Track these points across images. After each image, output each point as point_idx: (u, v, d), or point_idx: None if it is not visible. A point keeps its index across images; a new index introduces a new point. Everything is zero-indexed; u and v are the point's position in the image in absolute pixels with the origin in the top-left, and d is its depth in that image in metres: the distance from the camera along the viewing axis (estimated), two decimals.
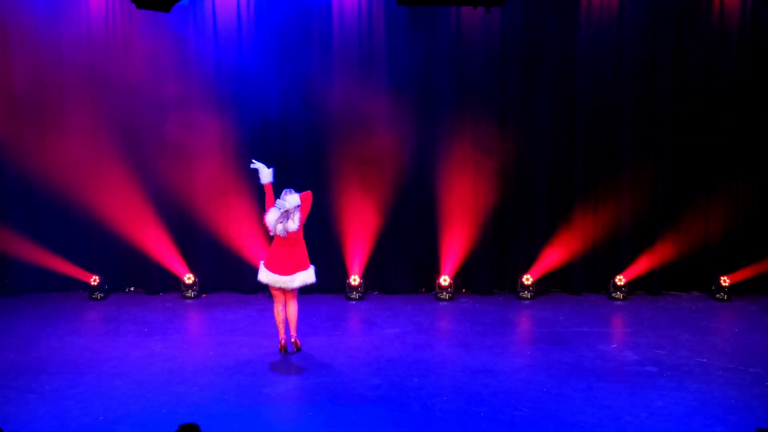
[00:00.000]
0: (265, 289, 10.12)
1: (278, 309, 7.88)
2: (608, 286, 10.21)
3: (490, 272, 10.34)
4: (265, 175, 7.84)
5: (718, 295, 10.04)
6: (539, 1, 9.80)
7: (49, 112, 10.00)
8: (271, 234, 7.79)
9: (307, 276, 7.83)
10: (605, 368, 7.59)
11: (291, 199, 7.62)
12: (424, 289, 10.49)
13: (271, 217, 7.67)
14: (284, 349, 7.89)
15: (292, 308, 7.89)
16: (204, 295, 10.28)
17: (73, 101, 9.93)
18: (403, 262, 10.33)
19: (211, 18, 9.88)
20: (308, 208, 7.76)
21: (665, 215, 10.19)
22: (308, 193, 7.77)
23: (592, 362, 7.74)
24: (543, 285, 10.29)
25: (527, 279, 10.13)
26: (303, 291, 10.35)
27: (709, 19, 9.84)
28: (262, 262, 7.95)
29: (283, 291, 7.85)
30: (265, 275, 7.86)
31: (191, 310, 9.77)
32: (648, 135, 10.07)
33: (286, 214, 7.61)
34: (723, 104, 9.98)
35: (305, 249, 7.85)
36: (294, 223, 7.60)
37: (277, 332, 8.03)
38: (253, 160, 7.99)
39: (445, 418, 6.46)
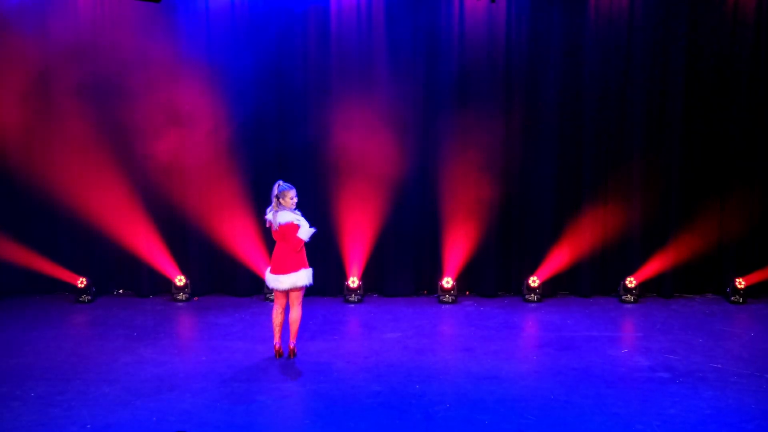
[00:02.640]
0: (259, 291, 10.15)
1: (277, 311, 7.84)
2: (618, 289, 10.20)
3: (494, 274, 10.33)
4: (304, 232, 7.67)
5: (733, 298, 10.03)
6: None
7: (35, 109, 10.00)
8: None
9: (297, 278, 7.74)
10: (615, 374, 7.58)
11: (282, 215, 7.59)
12: (425, 292, 10.48)
13: (269, 212, 7.73)
14: (279, 354, 7.88)
15: (295, 313, 7.83)
16: (196, 298, 10.28)
17: (60, 99, 9.95)
18: (404, 264, 10.32)
19: (204, 10, 9.88)
20: (290, 239, 7.67)
21: (678, 214, 10.18)
22: (294, 234, 7.62)
23: (602, 368, 7.73)
24: (550, 287, 10.28)
25: (534, 281, 10.12)
26: None
27: (724, 9, 9.83)
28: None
29: (285, 293, 7.82)
30: (266, 275, 7.90)
31: (182, 313, 9.77)
32: (660, 131, 10.06)
33: (274, 206, 7.65)
34: (739, 99, 9.97)
35: (303, 250, 7.80)
36: (278, 218, 7.59)
37: (272, 337, 8.01)
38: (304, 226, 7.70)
39: (447, 426, 6.45)
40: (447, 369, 7.75)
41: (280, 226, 7.61)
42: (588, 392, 7.12)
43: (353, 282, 10.07)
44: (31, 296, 10.23)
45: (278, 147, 10.09)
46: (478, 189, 10.04)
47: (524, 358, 8.12)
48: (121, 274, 10.43)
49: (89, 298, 10.05)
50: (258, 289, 10.28)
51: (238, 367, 7.71)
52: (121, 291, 10.49)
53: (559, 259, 10.19)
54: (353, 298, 10.06)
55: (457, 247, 10.16)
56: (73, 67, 9.86)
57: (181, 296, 10.14)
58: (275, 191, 7.62)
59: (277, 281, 7.72)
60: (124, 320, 9.29)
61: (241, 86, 9.87)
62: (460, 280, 10.23)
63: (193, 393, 7.08)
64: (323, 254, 9.97)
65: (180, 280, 10.16)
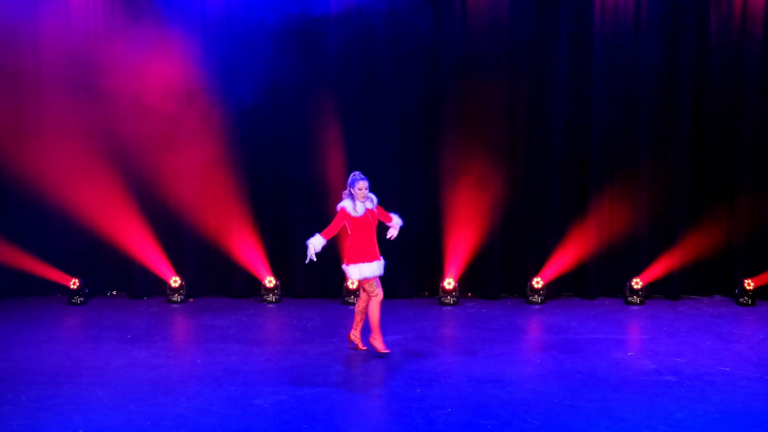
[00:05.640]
0: (255, 293, 10.15)
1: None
2: (624, 290, 10.21)
3: (497, 275, 10.34)
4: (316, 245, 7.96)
5: (741, 300, 10.04)
6: None
7: (26, 107, 10.04)
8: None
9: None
10: (621, 378, 7.58)
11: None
12: (426, 293, 10.50)
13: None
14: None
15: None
16: (191, 300, 10.29)
17: (51, 97, 9.98)
18: (405, 264, 10.32)
19: (199, 7, 9.91)
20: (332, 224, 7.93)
21: (685, 214, 10.19)
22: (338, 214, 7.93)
23: (607, 371, 7.73)
24: (554, 288, 10.29)
25: (537, 282, 10.13)
26: (297, 295, 10.40)
27: (733, 3, 9.84)
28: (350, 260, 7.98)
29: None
30: (365, 267, 7.96)
31: (177, 315, 9.78)
32: (667, 128, 10.07)
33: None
34: (748, 96, 9.99)
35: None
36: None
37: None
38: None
39: (449, 430, 6.46)
40: (448, 372, 7.75)
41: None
42: (593, 396, 7.12)
43: (352, 283, 10.08)
44: (22, 298, 10.24)
45: (275, 146, 10.11)
46: (480, 188, 10.05)
47: (527, 361, 8.13)
48: (114, 275, 10.44)
49: (82, 299, 10.06)
50: (254, 290, 10.29)
51: (234, 370, 7.72)
52: (114, 292, 10.51)
53: (563, 259, 10.20)
54: (352, 299, 10.06)
55: (459, 248, 10.17)
56: (65, 69, 9.91)
57: (176, 298, 10.16)
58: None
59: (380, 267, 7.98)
60: (118, 322, 9.30)
61: (239, 82, 9.88)
62: (462, 281, 10.23)
63: (188, 397, 7.08)
64: (321, 255, 9.93)
65: (175, 281, 10.17)
